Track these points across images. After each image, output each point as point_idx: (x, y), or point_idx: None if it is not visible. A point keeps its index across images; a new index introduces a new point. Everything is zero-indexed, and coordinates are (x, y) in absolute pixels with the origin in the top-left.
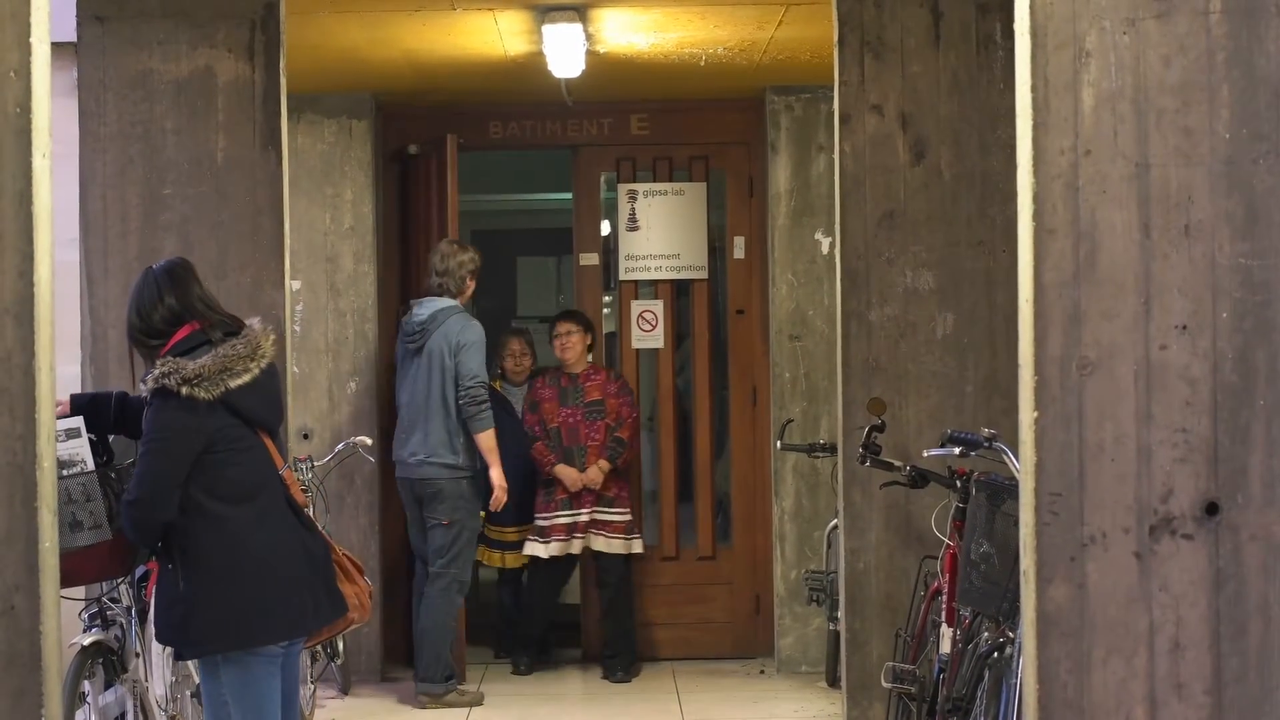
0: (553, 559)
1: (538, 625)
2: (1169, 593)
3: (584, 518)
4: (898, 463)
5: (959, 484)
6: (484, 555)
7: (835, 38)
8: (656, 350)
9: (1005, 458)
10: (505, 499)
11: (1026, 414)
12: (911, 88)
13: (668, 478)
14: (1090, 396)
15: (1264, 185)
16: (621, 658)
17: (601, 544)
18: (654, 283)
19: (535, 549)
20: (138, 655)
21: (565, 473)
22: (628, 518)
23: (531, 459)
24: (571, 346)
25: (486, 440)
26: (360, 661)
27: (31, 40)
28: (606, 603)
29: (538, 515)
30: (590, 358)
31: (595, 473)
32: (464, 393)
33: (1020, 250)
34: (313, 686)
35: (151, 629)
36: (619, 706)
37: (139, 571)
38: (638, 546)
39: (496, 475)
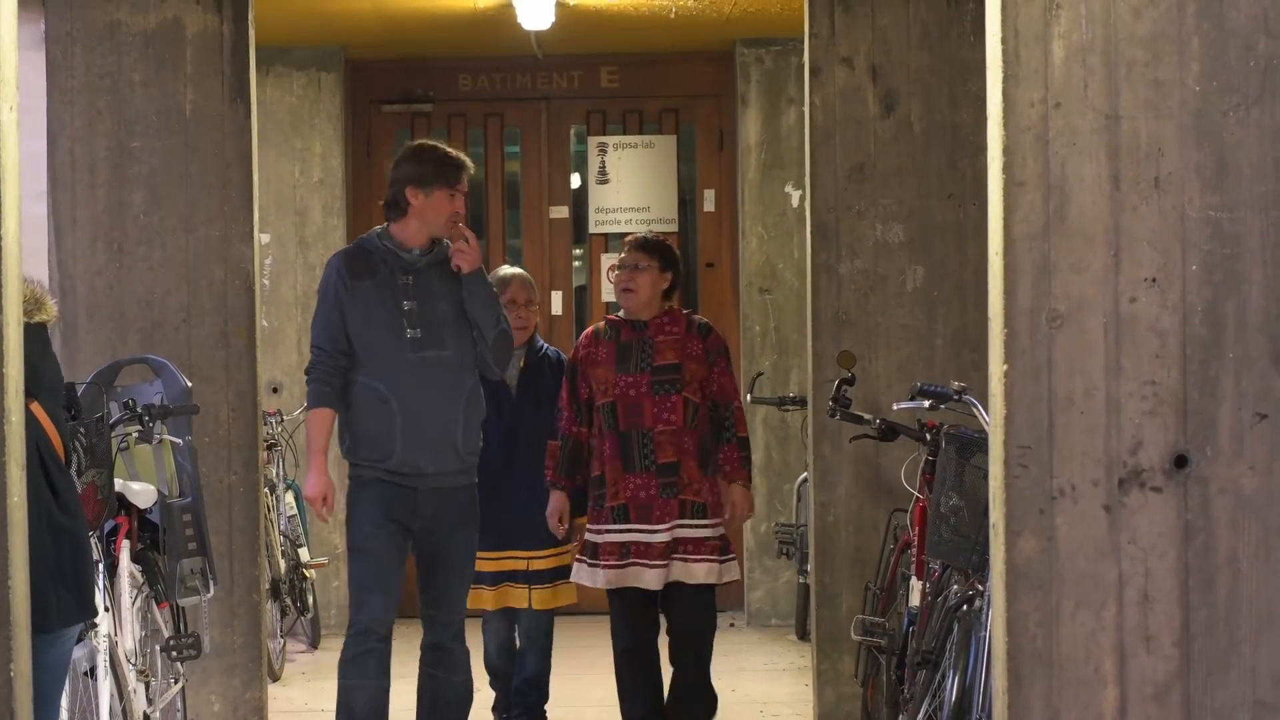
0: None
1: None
2: (1138, 545)
3: (663, 537)
4: (867, 416)
5: (929, 437)
6: (509, 596)
7: None
8: None
9: (975, 411)
10: (323, 512)
11: (996, 367)
12: (882, 40)
13: None
14: (1060, 349)
15: (1233, 138)
16: (686, 710)
17: (680, 570)
18: (624, 235)
19: (584, 575)
20: (107, 609)
21: (552, 502)
22: (720, 532)
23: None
24: (637, 287)
25: (307, 426)
26: (330, 615)
27: None
28: (676, 640)
29: (589, 528)
30: (669, 304)
31: (740, 494)
32: None
33: (990, 203)
34: (282, 640)
35: (121, 583)
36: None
37: (108, 525)
38: (731, 573)
39: (306, 483)
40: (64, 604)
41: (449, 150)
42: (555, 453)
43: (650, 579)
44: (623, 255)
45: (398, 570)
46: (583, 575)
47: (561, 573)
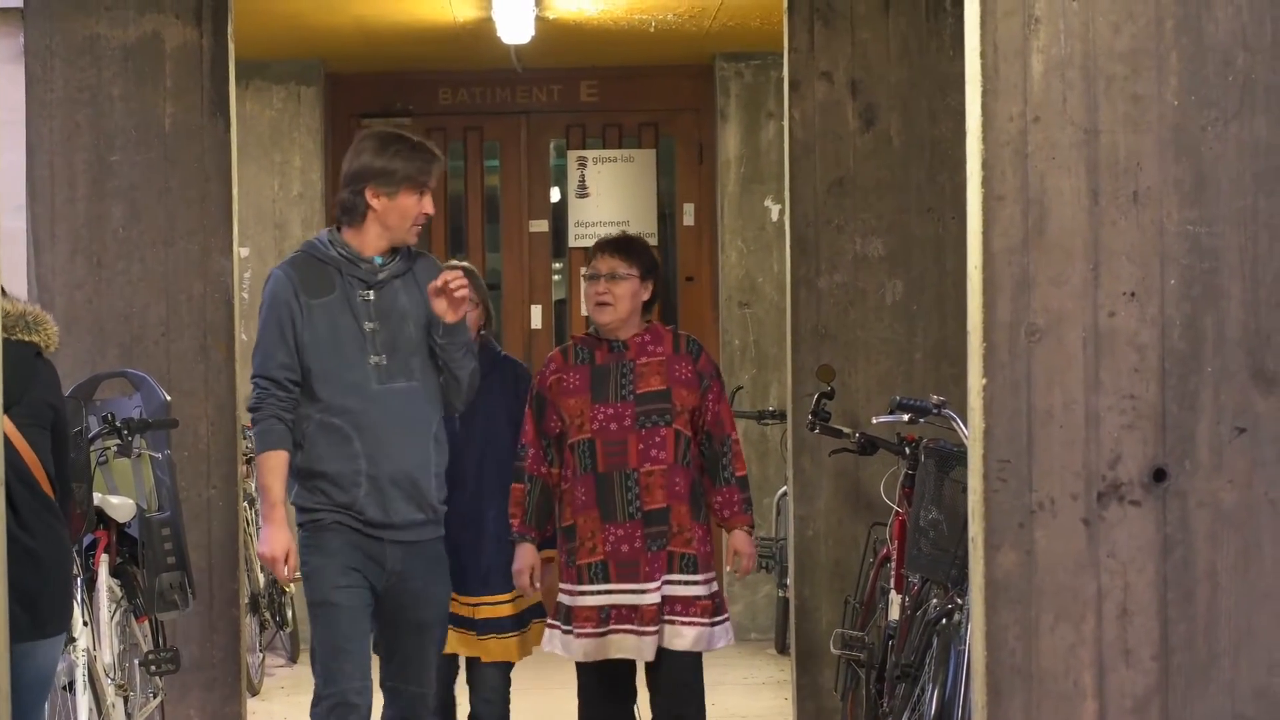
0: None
1: None
2: (1117, 559)
3: (653, 598)
4: (847, 430)
5: (908, 451)
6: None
7: (785, 4)
8: None
9: (954, 424)
10: (284, 572)
11: (975, 381)
12: (861, 54)
13: None
14: (1039, 363)
15: (1212, 152)
16: None
17: (668, 635)
18: None
19: (557, 643)
20: (85, 624)
21: (521, 556)
22: (713, 590)
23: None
24: (615, 300)
25: (259, 473)
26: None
27: None
28: (661, 715)
29: (563, 588)
30: (649, 319)
31: (744, 542)
32: None
33: (969, 217)
34: (261, 655)
35: (99, 597)
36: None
37: (86, 540)
38: (725, 638)
39: (262, 539)
40: (16, 620)
41: (417, 140)
42: (520, 498)
43: (640, 648)
44: (595, 261)
45: (368, 633)
46: (555, 644)
47: (522, 619)
